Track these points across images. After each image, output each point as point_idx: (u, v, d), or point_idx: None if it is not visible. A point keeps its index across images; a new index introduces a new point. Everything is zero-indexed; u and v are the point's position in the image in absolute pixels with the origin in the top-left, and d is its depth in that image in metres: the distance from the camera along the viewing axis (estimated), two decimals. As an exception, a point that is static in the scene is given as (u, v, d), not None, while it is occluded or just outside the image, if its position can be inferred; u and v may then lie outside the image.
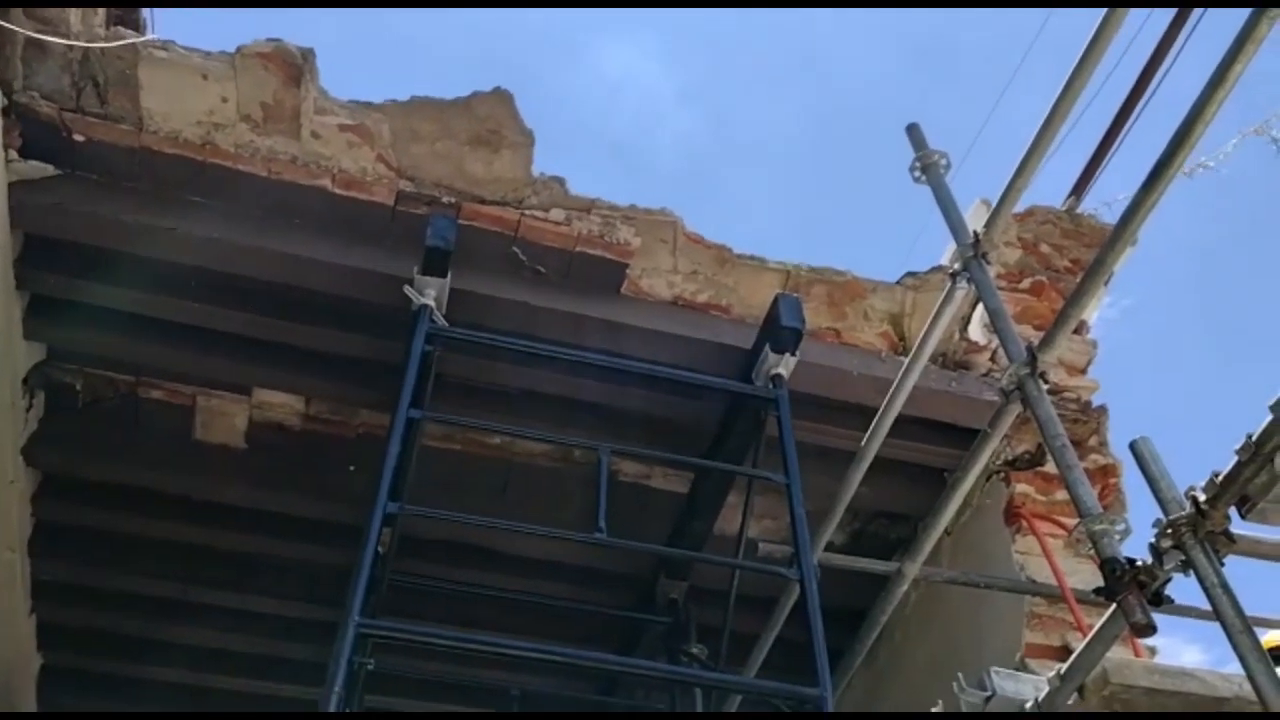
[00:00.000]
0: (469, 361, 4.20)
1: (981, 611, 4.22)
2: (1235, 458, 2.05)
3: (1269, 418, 1.96)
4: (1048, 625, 3.90)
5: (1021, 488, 4.24)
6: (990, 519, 4.34)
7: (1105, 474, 4.14)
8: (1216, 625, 2.20)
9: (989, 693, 2.61)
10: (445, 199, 4.04)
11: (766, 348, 4.02)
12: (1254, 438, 2.01)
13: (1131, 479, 4.29)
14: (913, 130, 3.54)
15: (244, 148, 3.91)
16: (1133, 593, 2.19)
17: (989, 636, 4.08)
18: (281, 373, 4.36)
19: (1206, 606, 3.60)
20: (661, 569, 4.86)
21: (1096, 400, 4.39)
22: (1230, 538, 2.11)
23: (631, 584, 5.03)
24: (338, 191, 3.98)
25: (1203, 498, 2.11)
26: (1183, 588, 2.52)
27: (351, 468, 4.62)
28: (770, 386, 3.98)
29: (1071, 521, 4.10)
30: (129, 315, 4.09)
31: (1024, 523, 4.10)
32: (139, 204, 3.88)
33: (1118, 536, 2.38)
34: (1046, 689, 2.51)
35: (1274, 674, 1.95)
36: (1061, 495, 4.23)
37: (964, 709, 2.68)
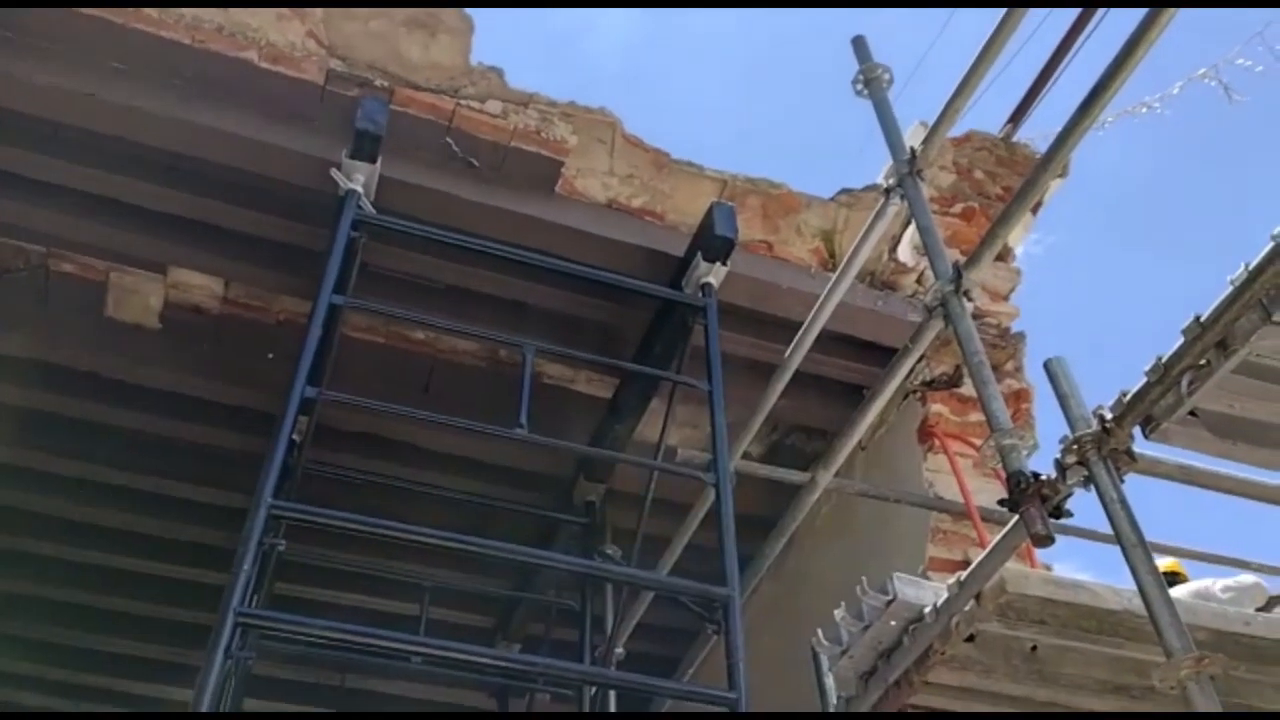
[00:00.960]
0: (395, 252, 4.12)
1: (889, 526, 4.34)
2: (1144, 379, 2.11)
3: (1180, 340, 2.01)
4: (951, 541, 4.03)
5: (936, 408, 4.34)
6: (904, 437, 4.45)
7: (1018, 399, 4.25)
8: (1111, 551, 2.30)
9: (890, 596, 2.69)
10: (378, 82, 3.92)
11: (698, 256, 4.02)
12: (1164, 359, 2.06)
13: (1043, 408, 4.42)
14: (858, 43, 3.52)
15: (169, 13, 3.73)
16: (1034, 505, 2.26)
17: (894, 549, 4.21)
18: (200, 252, 4.23)
19: (1105, 530, 3.75)
20: (580, 471, 4.89)
21: (1016, 327, 4.48)
22: (1132, 456, 2.18)
23: (550, 485, 5.06)
24: (264, 65, 3.82)
25: (1109, 416, 2.17)
26: (1083, 512, 2.63)
27: (270, 355, 4.53)
28: (700, 295, 3.99)
29: (982, 442, 4.23)
30: (41, 183, 3.92)
31: (936, 441, 4.21)
32: (56, 67, 3.70)
33: (1025, 452, 2.46)
34: (945, 595, 2.60)
35: (1164, 587, 2.04)
36: (974, 417, 4.35)
37: (865, 612, 2.76)
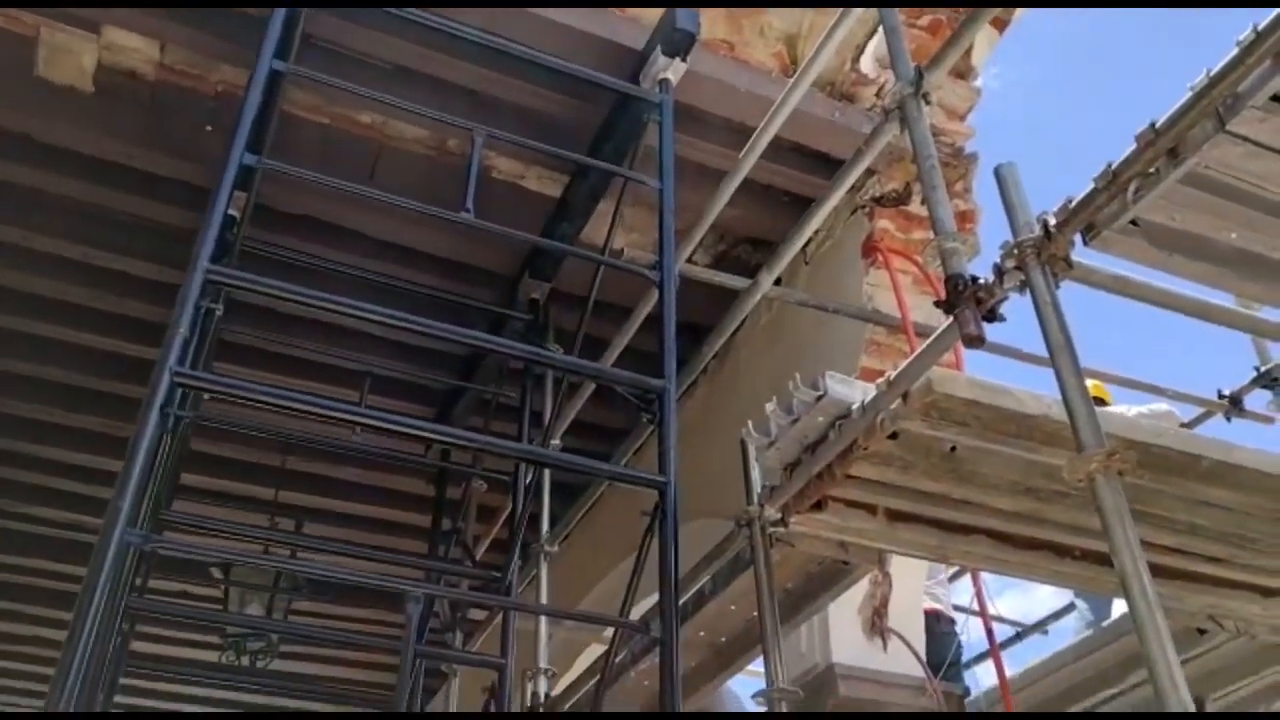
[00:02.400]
0: (341, 25, 3.94)
1: (825, 337, 4.42)
2: (1092, 185, 2.12)
3: (1132, 147, 2.01)
4: (884, 353, 4.12)
5: (883, 224, 4.36)
6: (848, 251, 4.48)
7: (965, 219, 4.27)
8: (1032, 373, 2.35)
9: (820, 392, 2.76)
10: None
11: (658, 50, 3.90)
12: (1113, 166, 2.07)
13: (987, 227, 4.46)
14: None
15: None
16: (970, 306, 2.30)
17: (829, 360, 4.28)
18: (134, 13, 4.01)
19: (1031, 349, 3.84)
20: (526, 268, 4.88)
21: (970, 148, 4.46)
22: (1069, 263, 2.21)
23: (495, 281, 5.05)
24: None
25: (1053, 222, 2.19)
26: (1011, 331, 2.69)
27: (208, 128, 4.38)
28: (656, 90, 3.90)
29: (925, 261, 4.27)
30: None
31: (879, 257, 4.24)
32: None
33: (965, 258, 2.48)
34: (874, 393, 2.67)
35: (1084, 389, 2.11)
36: (919, 234, 4.38)
37: (795, 406, 2.84)
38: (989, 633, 3.87)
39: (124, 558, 2.26)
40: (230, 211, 3.87)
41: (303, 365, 5.22)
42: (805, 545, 3.18)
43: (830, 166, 4.29)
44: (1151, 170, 2.03)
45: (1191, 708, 1.70)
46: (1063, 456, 2.17)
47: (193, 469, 5.41)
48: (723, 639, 3.93)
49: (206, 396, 4.64)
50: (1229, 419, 4.22)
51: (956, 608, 5.35)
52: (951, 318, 2.37)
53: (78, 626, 2.11)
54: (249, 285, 2.71)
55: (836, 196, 3.43)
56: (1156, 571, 1.88)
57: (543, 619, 4.39)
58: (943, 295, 2.45)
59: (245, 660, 5.98)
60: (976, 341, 2.29)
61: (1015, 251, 2.24)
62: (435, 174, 4.71)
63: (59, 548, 6.48)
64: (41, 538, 6.49)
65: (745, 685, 5.91)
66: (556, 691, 4.35)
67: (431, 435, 2.68)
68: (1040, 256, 2.20)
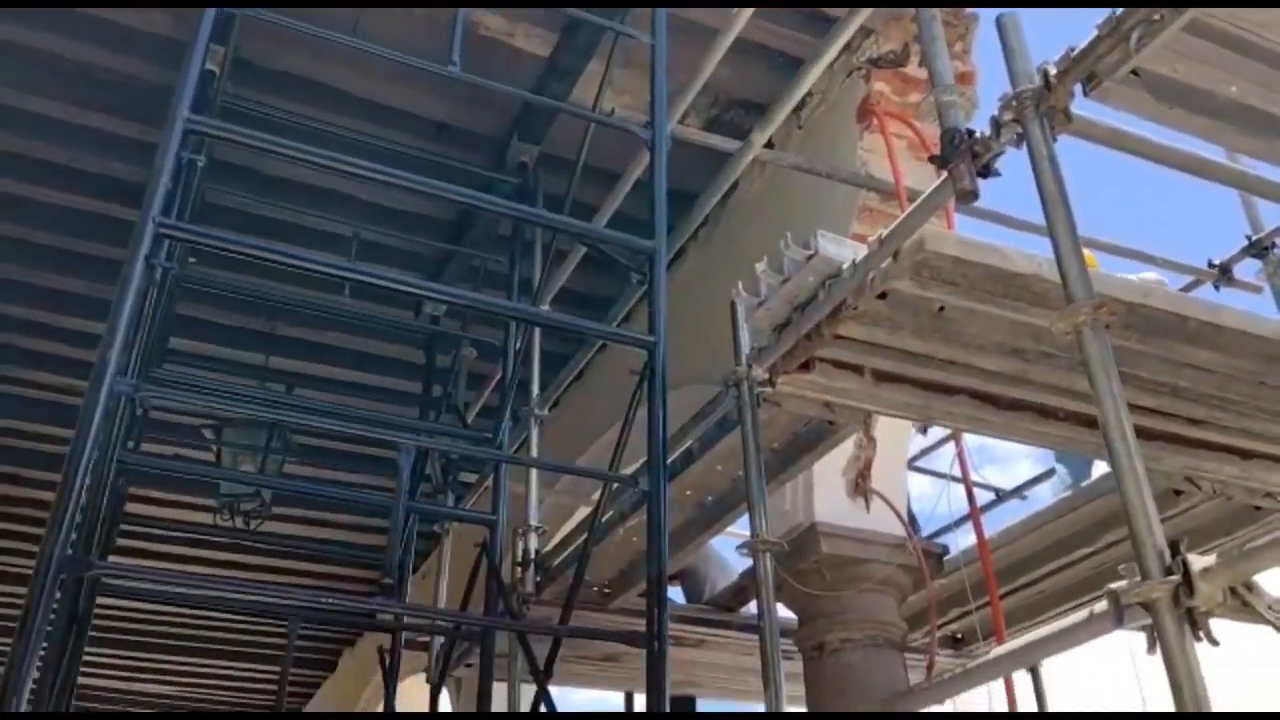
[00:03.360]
0: None
1: (817, 203, 4.37)
2: (1095, 33, 2.07)
3: (1135, -6, 1.96)
4: (876, 219, 4.08)
5: (879, 86, 4.27)
6: (843, 115, 4.40)
7: (963, 80, 4.18)
8: (1022, 239, 2.33)
9: (811, 251, 2.75)
10: None
11: (648, -101, 3.76)
12: (1118, 14, 2.02)
13: (984, 92, 4.38)
14: None
15: None
16: (964, 161, 2.27)
17: (821, 224, 4.24)
18: None
19: (1020, 216, 3.81)
20: (514, 130, 4.80)
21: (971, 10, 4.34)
22: (1068, 116, 2.17)
23: (483, 144, 4.97)
24: None
25: (1053, 72, 2.14)
26: (1004, 195, 2.66)
27: (188, -22, 4.23)
28: (647, -59, 3.77)
29: (920, 125, 4.21)
30: None
31: (874, 120, 4.17)
32: None
33: (962, 112, 2.44)
34: (864, 252, 2.65)
35: (1076, 243, 2.09)
36: (915, 98, 4.30)
37: (786, 266, 2.83)
38: (969, 493, 3.96)
39: (115, 407, 2.26)
40: (209, 67, 3.79)
41: (288, 229, 5.16)
42: (792, 406, 3.20)
43: (826, 25, 4.18)
44: (1156, 18, 1.98)
45: (1166, 554, 1.74)
46: (1050, 317, 2.18)
47: (181, 333, 5.40)
48: (709, 498, 4.00)
49: (192, 259, 4.61)
50: (1218, 288, 4.23)
51: (936, 474, 5.46)
52: (945, 173, 2.34)
53: (70, 475, 2.13)
54: (229, 135, 2.65)
55: (833, 51, 3.35)
56: (1137, 433, 1.90)
57: (533, 480, 4.47)
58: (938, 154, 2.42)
59: (239, 522, 6.08)
60: (970, 196, 2.26)
61: (1014, 104, 2.20)
62: (423, 29, 4.58)
63: (52, 411, 6.50)
64: (34, 401, 6.51)
65: (727, 545, 6.06)
66: (546, 548, 4.45)
67: (419, 292, 2.66)
68: (1039, 108, 2.17)
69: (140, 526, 5.81)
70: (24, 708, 1.97)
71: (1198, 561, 1.66)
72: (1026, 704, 4.05)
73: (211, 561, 8.37)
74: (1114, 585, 1.74)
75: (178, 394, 2.72)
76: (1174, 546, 1.74)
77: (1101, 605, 1.78)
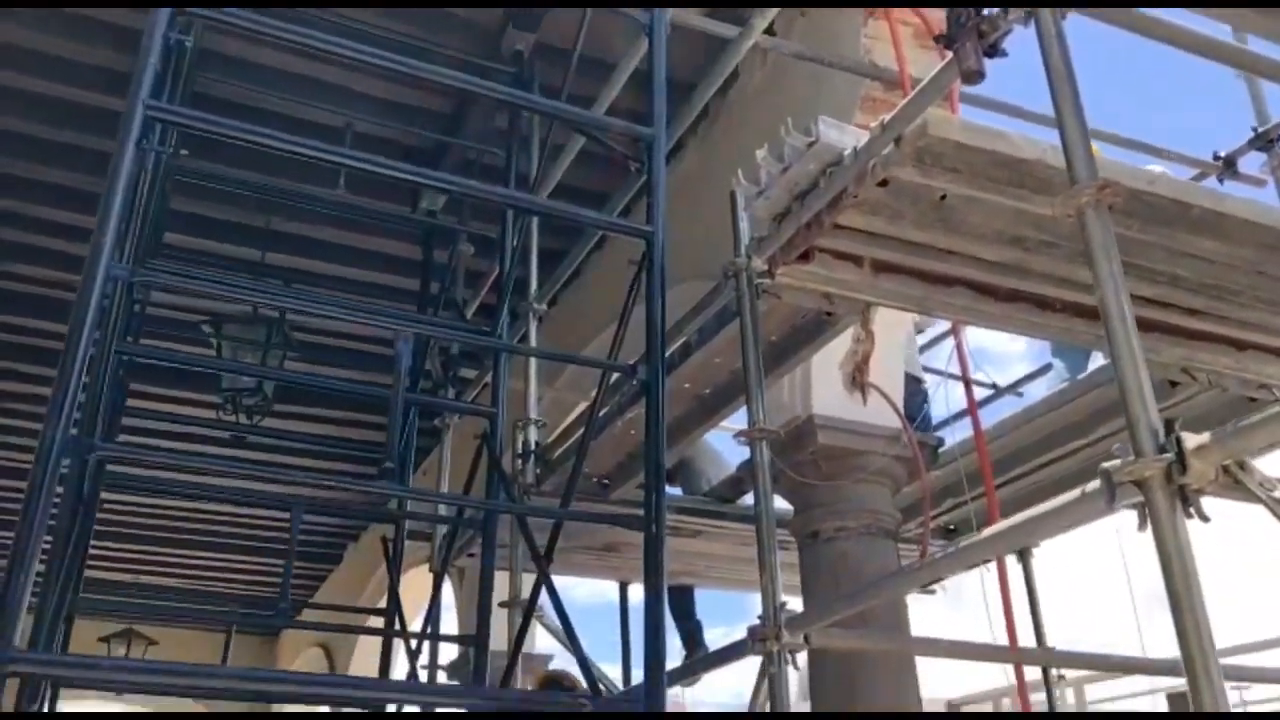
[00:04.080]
0: None
1: (819, 93, 4.30)
2: (1105, -96, 2.00)
3: None
4: (879, 109, 4.01)
5: (884, -30, 4.16)
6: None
7: (969, -36, 4.07)
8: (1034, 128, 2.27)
9: (813, 138, 2.71)
10: None
11: None
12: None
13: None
14: None
15: None
16: (971, 39, 2.22)
17: (822, 115, 4.20)
18: None
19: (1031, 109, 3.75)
20: (509, 19, 4.69)
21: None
22: (1079, -8, 2.12)
23: (477, 33, 4.87)
24: None
25: (1062, -54, 2.08)
26: (1016, 79, 2.61)
27: None
28: None
29: (926, 12, 4.11)
30: None
31: (878, 7, 4.07)
32: None
33: (971, -9, 2.37)
34: (867, 138, 2.62)
35: (1083, 122, 2.06)
36: (922, -17, 4.19)
37: (786, 153, 2.79)
38: (966, 384, 3.98)
39: (111, 293, 2.25)
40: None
41: (281, 121, 5.08)
42: (791, 297, 3.20)
43: (832, -95, 4.07)
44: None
45: (1160, 433, 1.76)
46: (1053, 203, 2.15)
47: (176, 229, 5.36)
48: (707, 391, 4.02)
49: (184, 151, 4.55)
50: (1222, 180, 4.18)
51: (932, 370, 5.48)
52: (951, 54, 2.29)
53: (69, 358, 2.13)
54: (216, 17, 2.58)
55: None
56: (1136, 323, 1.90)
57: (532, 373, 4.49)
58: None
59: (241, 419, 6.12)
60: (976, 77, 2.22)
61: (1026, -20, 2.14)
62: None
63: (48, 306, 6.50)
64: (30, 296, 6.50)
65: (723, 441, 6.13)
66: (546, 441, 4.49)
67: (414, 179, 2.62)
68: (1052, -17, 2.11)
69: (142, 420, 5.84)
70: (30, 594, 2.00)
71: (1191, 439, 1.68)
72: (1017, 591, 4.15)
73: (214, 458, 8.44)
74: (1107, 464, 1.76)
75: (174, 279, 2.70)
76: (1169, 426, 1.75)
77: (1094, 485, 1.79)
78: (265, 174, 4.68)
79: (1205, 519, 1.70)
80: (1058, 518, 1.97)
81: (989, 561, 3.62)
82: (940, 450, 4.27)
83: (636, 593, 6.05)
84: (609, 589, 6.00)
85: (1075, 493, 1.87)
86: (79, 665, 2.07)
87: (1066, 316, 3.16)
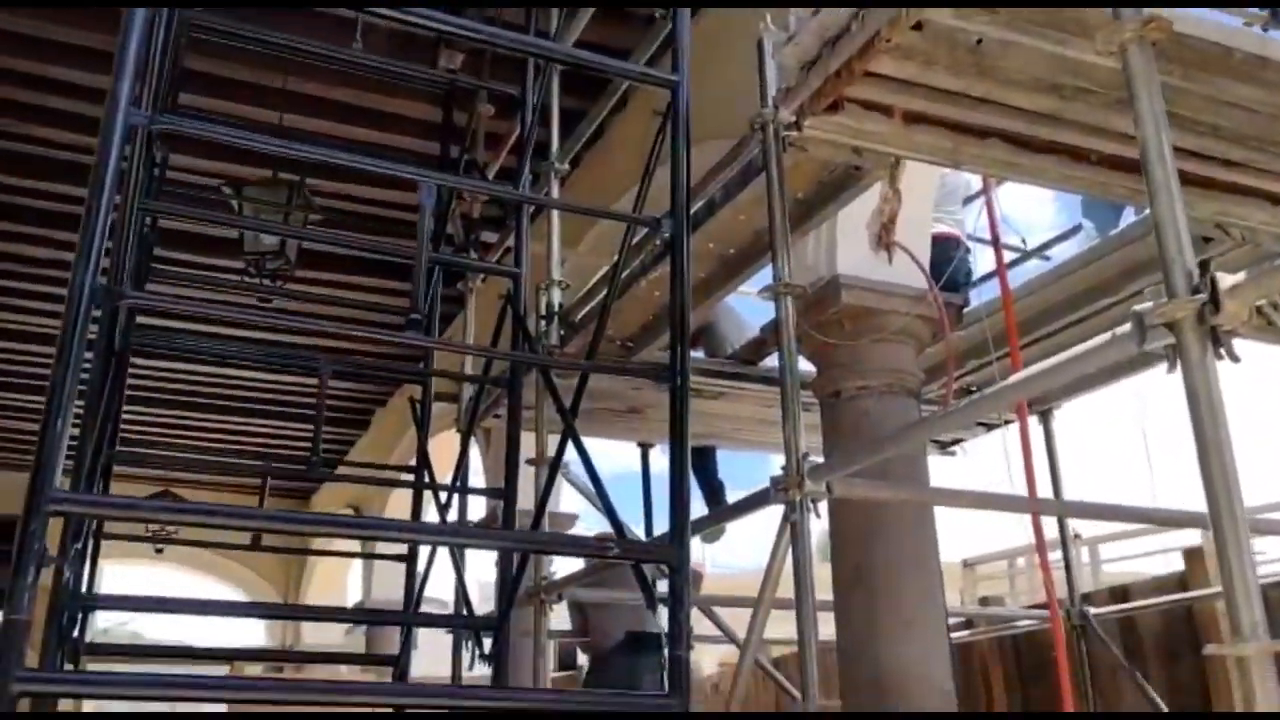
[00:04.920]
0: None
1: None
2: None
3: None
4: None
5: None
6: None
7: None
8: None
9: (846, -21, 2.61)
10: None
11: None
12: None
13: None
14: None
15: None
16: None
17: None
18: None
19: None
20: None
21: None
22: None
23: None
24: None
25: None
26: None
27: None
28: None
29: None
30: None
31: None
32: None
33: None
34: (902, -21, 2.52)
35: (1124, -43, 1.97)
36: None
37: (818, -5, 2.70)
38: (995, 243, 3.93)
39: (131, 138, 2.23)
40: None
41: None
42: (818, 150, 3.14)
43: None
44: None
45: (1195, 273, 1.73)
46: (1093, 49, 2.08)
47: (192, 90, 5.29)
48: (731, 250, 3.99)
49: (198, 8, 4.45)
50: (1265, 30, 4.02)
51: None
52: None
53: (94, 203, 2.12)
54: None
55: None
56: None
57: (554, 232, 4.46)
58: None
59: (265, 282, 6.14)
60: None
61: None
62: None
63: (65, 170, 6.48)
64: (45, 159, 6.48)
65: (746, 305, 6.12)
66: (570, 303, 4.50)
67: (433, 24, 2.54)
68: None
69: (167, 284, 5.87)
70: (67, 440, 2.03)
71: (1226, 279, 1.65)
72: (1039, 455, 4.18)
73: (238, 323, 8.53)
74: (1138, 306, 1.74)
75: (194, 126, 2.67)
76: (1203, 267, 1.72)
77: (1125, 328, 1.78)
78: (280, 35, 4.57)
79: (1236, 360, 1.69)
80: (1086, 360, 1.96)
81: (1012, 411, 3.64)
82: (966, 311, 4.24)
83: (658, 462, 6.15)
84: (631, 462, 6.09)
85: (1105, 336, 1.85)
86: (120, 505, 2.13)
87: (1102, 169, 3.09)
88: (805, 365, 4.06)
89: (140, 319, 3.33)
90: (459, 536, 3.25)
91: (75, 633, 3.31)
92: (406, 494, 5.75)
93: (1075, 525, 5.14)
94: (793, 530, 2.78)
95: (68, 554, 2.42)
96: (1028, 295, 4.22)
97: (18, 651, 1.85)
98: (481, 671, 3.92)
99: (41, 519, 1.90)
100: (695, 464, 5.93)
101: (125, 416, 5.65)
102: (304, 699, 1.97)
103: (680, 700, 2.28)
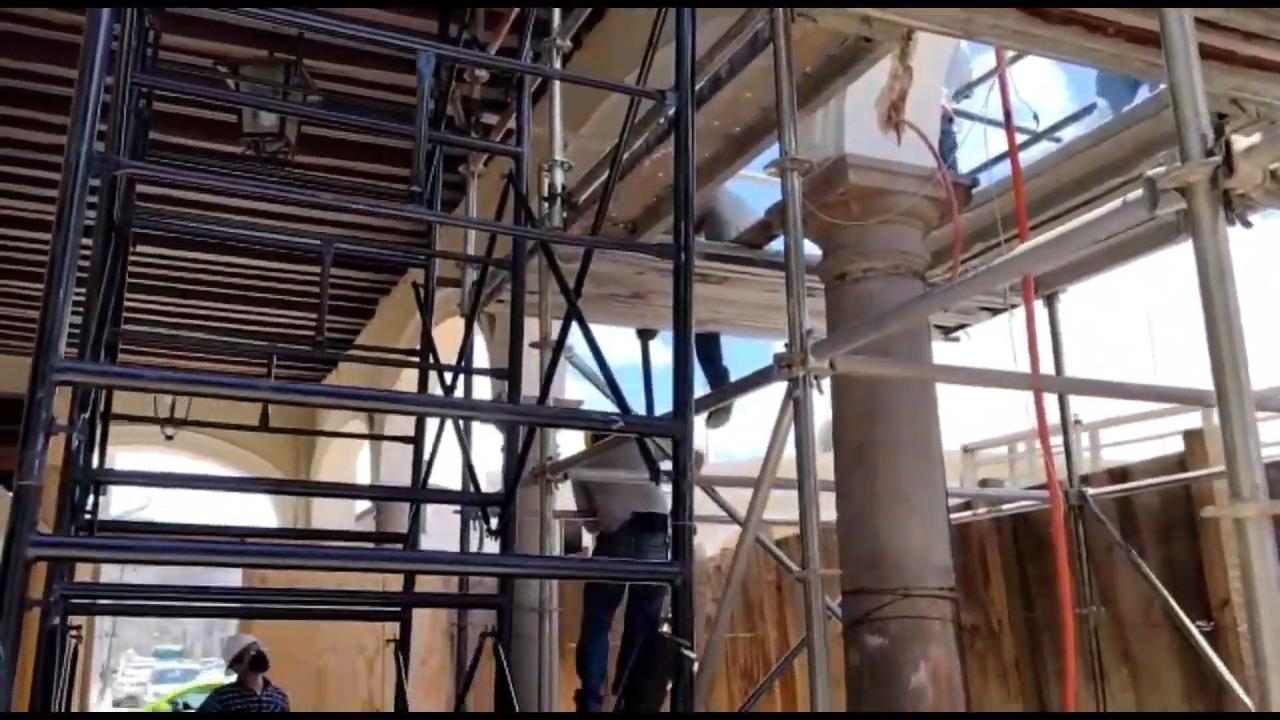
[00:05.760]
0: None
1: None
2: None
3: None
4: None
5: None
6: None
7: None
8: None
9: None
10: None
11: None
12: None
13: None
14: None
15: None
16: None
17: None
18: None
19: None
20: None
21: None
22: None
23: None
24: None
25: None
26: None
27: None
28: None
29: None
30: None
31: None
32: None
33: None
34: None
35: None
36: None
37: None
38: (1008, 120, 3.85)
39: (121, 19, 2.17)
40: None
41: None
42: (828, 21, 3.06)
43: None
44: None
45: (1209, 137, 1.70)
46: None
47: None
48: (737, 128, 3.92)
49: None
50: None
51: (967, 115, 5.33)
52: None
53: (85, 73, 2.08)
54: None
55: None
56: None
57: (556, 115, 4.39)
58: None
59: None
60: None
61: None
62: None
63: (63, 52, 6.34)
64: (43, 41, 6.33)
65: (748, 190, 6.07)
66: (573, 184, 4.44)
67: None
68: None
69: (166, 155, 5.80)
70: (70, 311, 2.03)
71: (1241, 142, 1.62)
72: (1044, 341, 4.17)
73: (239, 209, 8.45)
74: (1150, 171, 1.71)
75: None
76: (1218, 131, 1.69)
77: (1136, 194, 1.75)
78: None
79: (1248, 225, 1.67)
80: (1095, 227, 1.93)
81: (1018, 293, 3.62)
82: (975, 192, 4.19)
83: (660, 356, 6.17)
84: (632, 356, 6.09)
85: (1116, 203, 1.83)
86: (125, 375, 2.14)
87: (1119, 41, 3.02)
88: (811, 250, 4.03)
89: (140, 203, 3.29)
90: (466, 410, 3.27)
91: (88, 510, 3.37)
92: (412, 383, 5.78)
93: (1075, 411, 5.17)
94: (795, 407, 2.79)
95: (75, 423, 2.44)
96: (1037, 175, 4.15)
97: (31, 517, 1.87)
98: (490, 549, 4.00)
99: (48, 388, 1.91)
100: (699, 351, 5.93)
101: (130, 305, 5.62)
102: (318, 564, 2.01)
103: (683, 568, 2.32)
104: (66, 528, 2.61)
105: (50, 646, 2.68)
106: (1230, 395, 1.63)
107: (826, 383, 2.85)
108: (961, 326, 5.79)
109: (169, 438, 11.07)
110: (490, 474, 4.98)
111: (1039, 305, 4.86)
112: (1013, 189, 3.74)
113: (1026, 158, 4.46)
